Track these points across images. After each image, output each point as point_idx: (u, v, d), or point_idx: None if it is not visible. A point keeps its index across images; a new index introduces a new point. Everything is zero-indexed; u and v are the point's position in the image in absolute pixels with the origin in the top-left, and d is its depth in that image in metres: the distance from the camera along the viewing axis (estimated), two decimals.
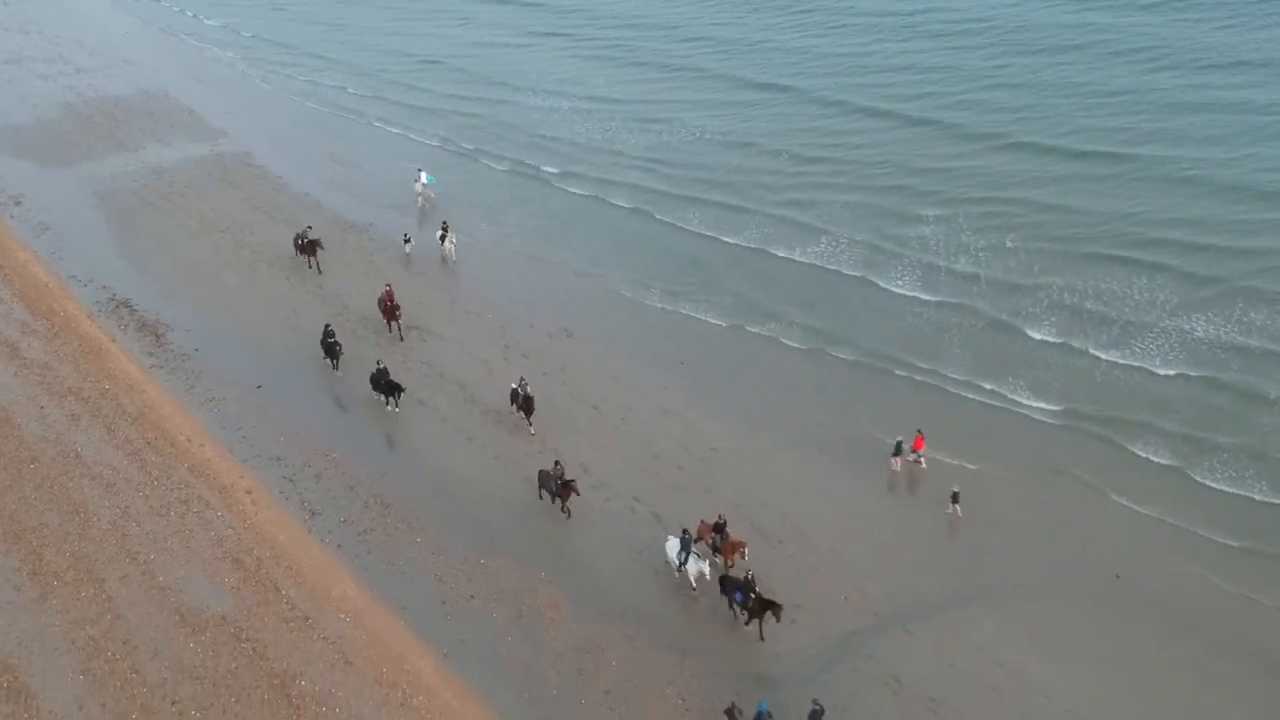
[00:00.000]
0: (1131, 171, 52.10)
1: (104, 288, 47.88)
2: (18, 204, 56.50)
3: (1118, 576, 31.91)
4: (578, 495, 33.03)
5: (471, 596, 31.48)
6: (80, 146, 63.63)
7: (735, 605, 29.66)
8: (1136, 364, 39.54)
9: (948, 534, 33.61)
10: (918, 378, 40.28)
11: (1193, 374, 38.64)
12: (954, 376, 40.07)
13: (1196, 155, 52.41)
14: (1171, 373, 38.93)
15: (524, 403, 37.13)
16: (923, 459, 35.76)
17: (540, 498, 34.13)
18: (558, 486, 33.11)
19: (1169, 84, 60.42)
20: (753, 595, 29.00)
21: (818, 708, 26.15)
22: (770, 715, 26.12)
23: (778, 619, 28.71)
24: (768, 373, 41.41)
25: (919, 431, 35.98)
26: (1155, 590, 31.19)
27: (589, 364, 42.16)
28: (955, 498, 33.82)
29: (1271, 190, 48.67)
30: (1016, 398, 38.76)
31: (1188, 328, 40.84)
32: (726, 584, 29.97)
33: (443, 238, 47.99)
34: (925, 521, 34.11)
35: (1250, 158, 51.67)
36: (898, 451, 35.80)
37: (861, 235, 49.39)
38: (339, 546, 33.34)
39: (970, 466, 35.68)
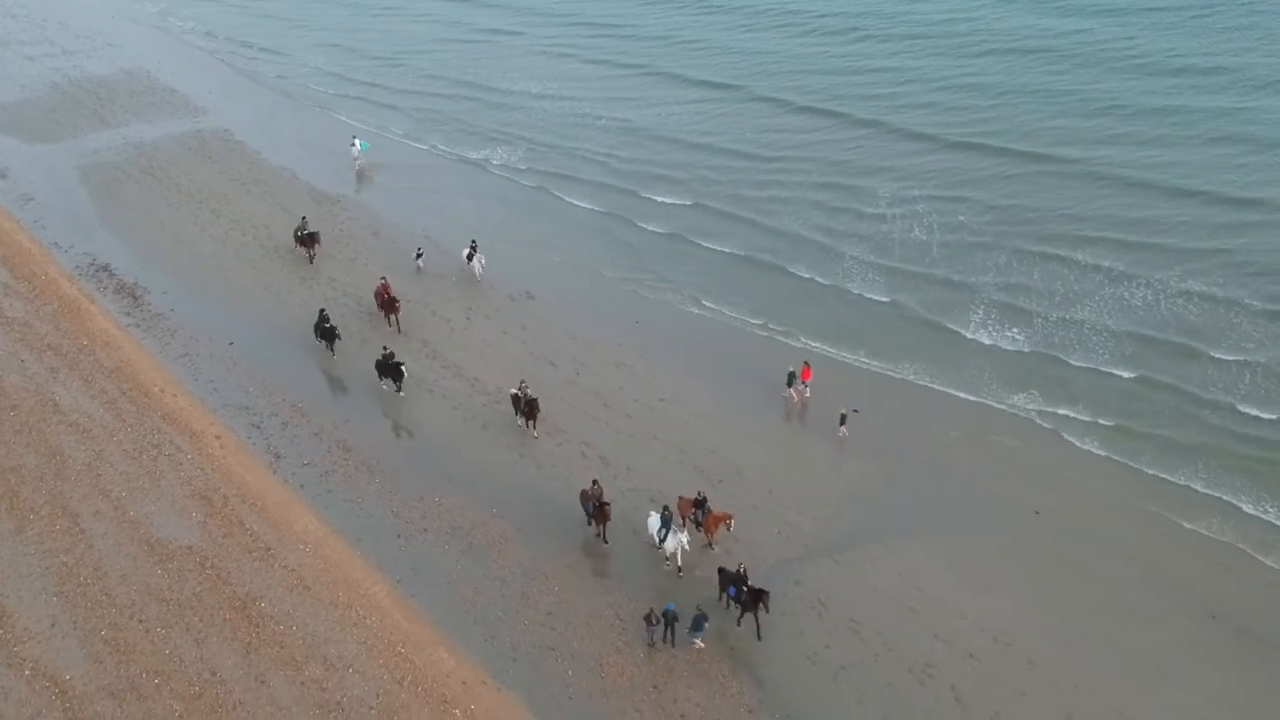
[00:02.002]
0: (1081, 171, 53.19)
1: (85, 253, 49.68)
2: (3, 177, 58.24)
3: (1037, 513, 33.85)
4: (609, 521, 32.09)
5: (425, 530, 33.34)
6: (65, 123, 65.42)
7: (729, 599, 29.47)
8: (1070, 359, 40.53)
9: (877, 476, 35.43)
10: (862, 361, 41.60)
11: (1126, 374, 39.50)
12: (882, 360, 41.43)
13: (1150, 158, 53.62)
14: (1105, 368, 39.94)
15: (527, 407, 36.64)
16: (808, 388, 38.65)
17: (589, 524, 32.92)
18: (593, 508, 32.16)
19: (1124, 87, 61.67)
20: (745, 589, 28.79)
21: (700, 614, 28.50)
22: (675, 615, 28.53)
23: (767, 609, 28.86)
24: (715, 340, 43.00)
25: (805, 363, 39.18)
26: (1073, 526, 33.12)
27: (547, 323, 44.01)
28: (843, 419, 36.94)
29: (1226, 193, 49.71)
30: (943, 378, 40.18)
31: (1120, 325, 41.86)
32: (721, 578, 29.76)
33: (470, 255, 46.36)
34: (856, 464, 36.05)
35: (1205, 161, 52.84)
36: (790, 382, 38.64)
37: (803, 230, 50.54)
38: (302, 486, 35.18)
39: (898, 424, 37.59)
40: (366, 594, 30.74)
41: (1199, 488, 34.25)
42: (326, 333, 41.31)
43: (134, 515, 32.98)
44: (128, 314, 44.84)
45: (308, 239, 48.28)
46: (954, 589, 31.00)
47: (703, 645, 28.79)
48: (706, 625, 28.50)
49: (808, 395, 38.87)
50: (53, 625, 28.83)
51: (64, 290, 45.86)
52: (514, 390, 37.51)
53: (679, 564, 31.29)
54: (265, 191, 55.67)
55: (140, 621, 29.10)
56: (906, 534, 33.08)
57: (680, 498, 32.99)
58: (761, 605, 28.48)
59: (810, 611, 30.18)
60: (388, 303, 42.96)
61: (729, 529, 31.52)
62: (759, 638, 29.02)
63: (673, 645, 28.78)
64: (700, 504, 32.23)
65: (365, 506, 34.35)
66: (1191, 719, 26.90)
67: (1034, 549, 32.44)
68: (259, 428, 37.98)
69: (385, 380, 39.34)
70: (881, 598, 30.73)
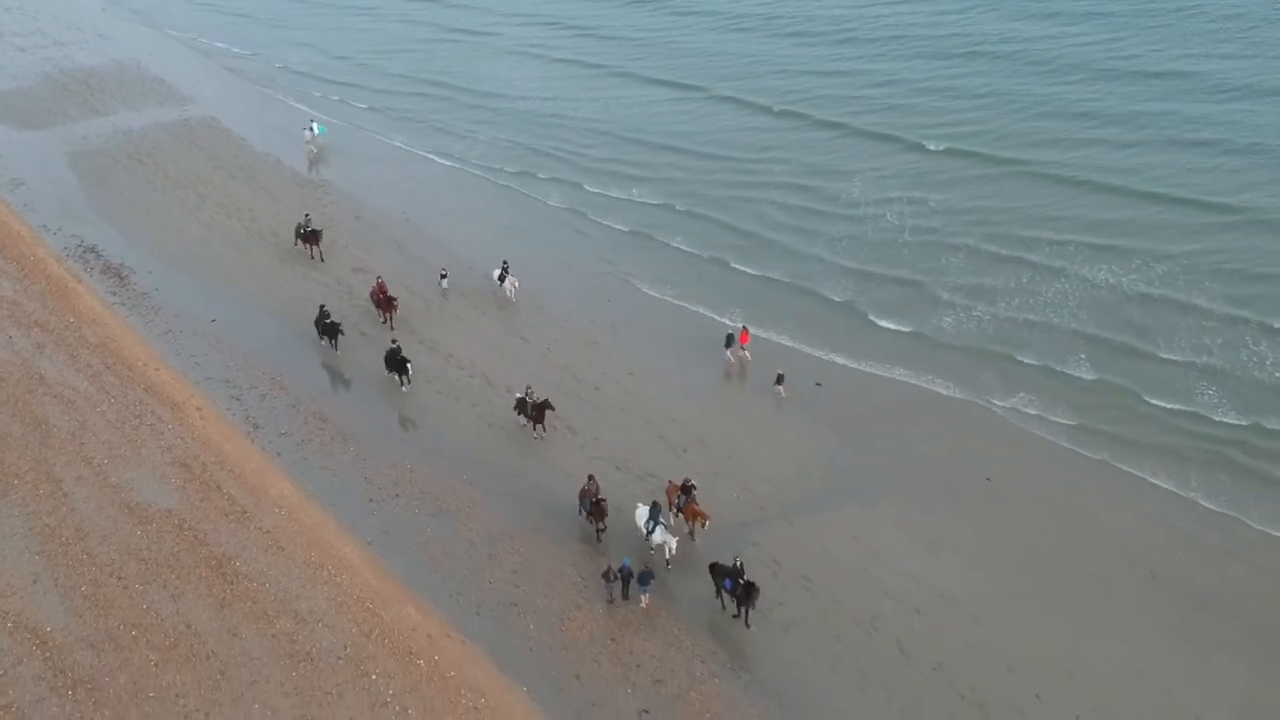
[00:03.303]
0: (1053, 174, 53.79)
1: (73, 235, 50.91)
2: None
3: (989, 479, 35.10)
4: (606, 516, 32.18)
5: (397, 495, 34.55)
6: (55, 111, 66.65)
7: (724, 593, 29.55)
8: (1028, 356, 41.08)
9: (836, 448, 36.63)
10: (823, 349, 42.37)
11: (1080, 368, 40.06)
12: (845, 349, 42.11)
13: (1123, 161, 54.21)
14: (1060, 364, 40.43)
15: (535, 411, 36.35)
16: (746, 352, 40.75)
17: (579, 514, 33.12)
18: (590, 505, 32.28)
19: (1099, 92, 62.35)
20: (741, 582, 28.94)
21: (646, 570, 29.77)
22: (630, 570, 29.71)
23: (753, 604, 29.26)
24: (682, 324, 44.05)
25: (744, 327, 41.21)
26: (1023, 495, 34.37)
27: (521, 302, 45.15)
28: (780, 379, 38.86)
29: (1196, 197, 50.11)
30: (902, 365, 41.09)
31: (1078, 324, 42.40)
32: (716, 571, 29.64)
33: (501, 277, 44.85)
34: (816, 437, 37.20)
35: (1179, 165, 53.47)
36: (728, 344, 40.43)
37: (769, 229, 51.24)
38: (278, 454, 36.39)
39: (858, 403, 38.87)
40: (338, 554, 31.93)
41: (1143, 473, 35.10)
42: (329, 328, 41.37)
43: (115, 480, 34.14)
44: (113, 293, 46.03)
45: (311, 236, 48.27)
46: (905, 551, 32.21)
47: (646, 601, 29.99)
48: (652, 581, 29.74)
49: (747, 357, 40.72)
50: (35, 582, 29.99)
51: (52, 270, 47.04)
52: (519, 394, 37.24)
53: (667, 557, 31.47)
54: (250, 177, 56.89)
55: (119, 579, 30.26)
56: (861, 501, 34.28)
57: (670, 482, 33.56)
58: (751, 600, 28.80)
59: (765, 570, 31.28)
60: (385, 301, 43.03)
61: (702, 527, 31.82)
62: (748, 626, 29.31)
63: (626, 599, 30.00)
64: (687, 490, 32.55)
65: (339, 473, 35.56)
66: (1125, 668, 28.14)
67: (984, 515, 33.68)
68: (239, 400, 39.18)
69: (392, 373, 39.49)
70: (834, 558, 31.93)
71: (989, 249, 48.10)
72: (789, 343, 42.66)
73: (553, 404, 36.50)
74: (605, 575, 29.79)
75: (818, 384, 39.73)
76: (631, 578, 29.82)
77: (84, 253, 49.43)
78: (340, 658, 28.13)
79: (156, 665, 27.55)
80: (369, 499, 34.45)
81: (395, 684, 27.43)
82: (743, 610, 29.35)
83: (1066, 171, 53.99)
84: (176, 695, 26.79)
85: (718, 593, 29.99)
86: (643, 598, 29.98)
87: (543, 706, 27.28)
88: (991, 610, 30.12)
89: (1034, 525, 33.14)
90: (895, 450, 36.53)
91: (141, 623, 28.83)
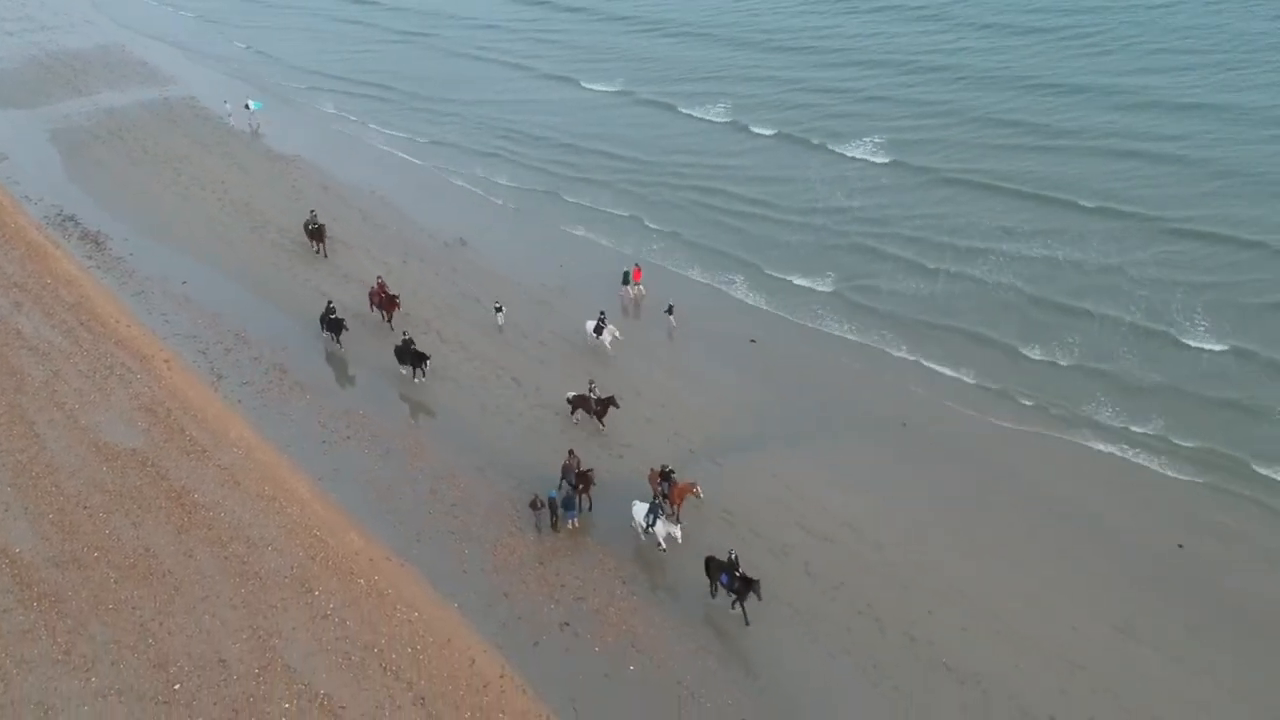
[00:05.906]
0: (977, 182, 54.18)
1: (53, 205, 53.34)
2: None
3: (904, 425, 37.36)
4: (594, 485, 32.84)
5: (348, 438, 36.86)
6: (40, 92, 69.13)
7: (722, 589, 29.61)
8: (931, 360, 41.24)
9: (764, 398, 38.67)
10: (739, 325, 43.44)
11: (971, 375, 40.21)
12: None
13: (1048, 172, 54.37)
14: (955, 351, 41.13)
15: (599, 406, 36.14)
16: (641, 287, 44.60)
17: (570, 490, 33.25)
18: (574, 478, 32.85)
19: (1028, 105, 62.82)
20: (737, 576, 28.92)
21: (569, 495, 32.30)
22: (555, 500, 32.08)
23: (759, 597, 29.78)
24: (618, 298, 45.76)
25: (636, 265, 45.39)
26: (936, 438, 36.51)
27: (477, 268, 47.57)
28: (670, 310, 42.57)
29: (1128, 209, 50.13)
30: (807, 338, 42.62)
31: (987, 329, 42.48)
32: (711, 567, 29.72)
33: (598, 329, 41.43)
34: (746, 387, 39.40)
35: (1112, 176, 53.44)
36: (625, 281, 44.03)
37: (697, 234, 51.62)
38: (239, 401, 38.74)
39: (784, 360, 40.92)
40: (290, 488, 34.23)
41: (1050, 431, 36.81)
42: (333, 324, 41.50)
43: (85, 423, 36.47)
44: (90, 258, 48.37)
45: (316, 232, 48.45)
46: (820, 487, 34.36)
47: (575, 525, 32.36)
48: (576, 506, 32.09)
49: (642, 292, 44.52)
50: (6, 510, 32.33)
51: (31, 237, 49.38)
52: (575, 393, 37.07)
53: (664, 547, 32.00)
54: (226, 152, 59.23)
55: (84, 508, 32.58)
56: (784, 445, 36.38)
57: (650, 470, 34.46)
58: (753, 593, 28.63)
59: (688, 505, 33.49)
60: (386, 301, 42.79)
61: (698, 496, 32.73)
62: (746, 623, 29.31)
63: (555, 530, 32.30)
64: (666, 476, 33.48)
65: (295, 419, 37.88)
66: (1014, 589, 30.16)
67: (898, 459, 35.61)
68: (204, 353, 41.52)
69: (405, 366, 39.69)
70: (754, 494, 34.12)
71: (921, 252, 48.51)
72: (724, 324, 43.70)
73: (618, 401, 36.55)
74: (532, 504, 32.04)
75: (752, 340, 41.94)
76: (559, 509, 32.07)
77: (63, 221, 51.76)
78: (287, 577, 30.41)
79: (116, 582, 29.85)
80: (322, 440, 36.77)
81: (336, 599, 29.71)
82: (741, 605, 29.31)
83: (1005, 182, 53.95)
84: (133, 607, 29.07)
85: (712, 587, 30.26)
86: (571, 521, 32.26)
87: (472, 620, 29.50)
88: (895, 539, 32.20)
89: (943, 468, 35.09)
90: (819, 402, 38.49)
91: (104, 545, 31.14)
